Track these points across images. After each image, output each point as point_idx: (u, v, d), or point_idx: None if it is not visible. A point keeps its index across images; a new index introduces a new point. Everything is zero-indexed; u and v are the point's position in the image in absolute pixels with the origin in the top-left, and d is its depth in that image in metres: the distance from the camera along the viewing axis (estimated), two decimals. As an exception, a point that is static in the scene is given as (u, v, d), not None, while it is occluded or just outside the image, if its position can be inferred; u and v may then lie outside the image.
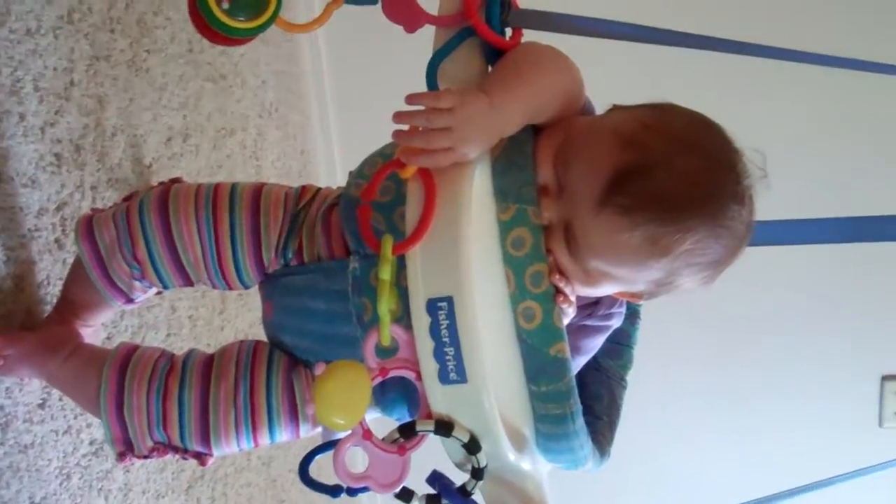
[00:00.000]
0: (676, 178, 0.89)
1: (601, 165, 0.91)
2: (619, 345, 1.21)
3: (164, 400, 1.11)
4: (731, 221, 0.92)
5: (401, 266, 0.89)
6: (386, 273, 0.86)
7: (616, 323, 1.12)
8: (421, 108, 0.89)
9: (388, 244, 0.88)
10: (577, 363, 1.07)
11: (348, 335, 1.05)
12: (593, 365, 1.18)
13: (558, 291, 0.94)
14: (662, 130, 0.91)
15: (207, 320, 1.78)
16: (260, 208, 1.13)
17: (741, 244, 0.94)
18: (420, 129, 0.89)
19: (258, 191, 1.15)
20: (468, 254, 0.87)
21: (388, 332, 0.88)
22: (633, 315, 1.20)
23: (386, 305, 0.87)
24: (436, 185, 0.89)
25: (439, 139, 0.87)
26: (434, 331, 0.87)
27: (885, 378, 2.57)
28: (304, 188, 1.17)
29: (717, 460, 2.68)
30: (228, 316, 1.87)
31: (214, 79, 1.92)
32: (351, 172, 1.12)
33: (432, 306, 0.87)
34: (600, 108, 1.05)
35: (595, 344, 1.11)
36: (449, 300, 0.86)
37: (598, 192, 0.90)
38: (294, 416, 1.12)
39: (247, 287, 1.16)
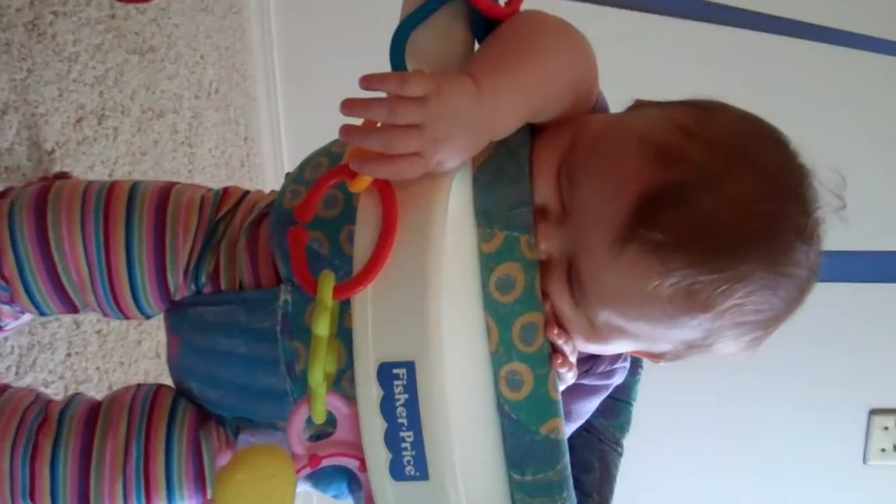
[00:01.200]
0: (727, 207, 0.65)
1: (624, 185, 0.67)
2: (617, 401, 0.96)
3: (33, 461, 0.85)
4: (794, 268, 0.68)
5: (346, 306, 0.65)
6: (322, 326, 0.62)
7: (618, 380, 0.88)
8: (382, 95, 0.64)
9: (326, 284, 0.63)
10: (567, 431, 0.83)
11: (274, 388, 0.80)
12: (583, 425, 0.93)
13: (555, 350, 0.70)
14: (709, 140, 0.67)
15: (121, 334, 1.51)
16: (166, 216, 0.87)
17: (803, 296, 0.71)
18: (379, 124, 0.64)
19: (166, 192, 0.89)
20: (438, 301, 0.62)
21: (324, 405, 0.63)
22: (633, 365, 0.96)
23: (320, 371, 0.62)
24: (397, 204, 0.64)
25: (405, 140, 0.62)
26: (387, 407, 0.62)
27: (873, 412, 2.38)
28: (226, 191, 0.92)
29: (699, 496, 2.47)
30: (148, 327, 1.60)
31: (141, 51, 1.65)
32: (288, 175, 0.87)
33: (386, 373, 0.62)
34: (614, 104, 0.80)
35: (591, 407, 0.87)
36: (409, 366, 0.62)
37: (618, 222, 0.66)
38: (201, 488, 0.86)
39: (147, 317, 0.90)
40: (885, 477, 2.41)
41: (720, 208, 0.65)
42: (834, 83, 2.17)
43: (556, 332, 0.70)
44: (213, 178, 1.95)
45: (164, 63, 1.75)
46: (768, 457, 2.41)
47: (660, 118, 0.71)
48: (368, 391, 0.62)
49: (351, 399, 0.64)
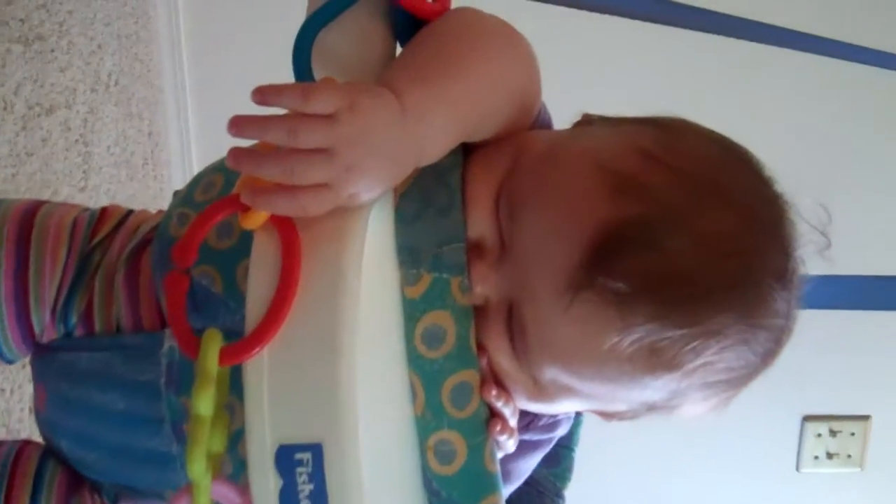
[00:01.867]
0: (696, 249, 0.55)
1: (576, 221, 0.56)
2: (557, 447, 0.85)
3: None
4: (772, 318, 0.58)
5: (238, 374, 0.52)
6: (205, 403, 0.49)
7: (563, 431, 0.77)
8: (282, 112, 0.52)
9: (211, 347, 0.50)
10: (505, 493, 0.71)
11: (158, 452, 0.67)
12: (522, 476, 0.82)
13: (493, 414, 0.59)
14: (674, 166, 0.57)
15: None
16: (30, 244, 0.72)
17: (780, 346, 0.61)
18: (279, 148, 0.51)
19: (30, 214, 0.74)
20: (351, 367, 0.50)
21: (209, 499, 0.51)
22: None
23: (202, 460, 0.49)
24: (300, 247, 0.52)
25: (309, 168, 0.50)
26: (288, 499, 0.50)
27: (807, 419, 2.32)
28: (104, 212, 0.77)
29: (632, 496, 2.39)
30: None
31: (27, 40, 1.48)
32: (176, 193, 0.74)
33: (286, 458, 0.50)
34: (558, 118, 0.69)
35: (532, 464, 0.76)
36: (315, 450, 0.50)
37: (569, 266, 0.55)
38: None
39: (9, 362, 0.76)
40: (818, 484, 2.36)
41: (689, 250, 0.55)
42: (795, 89, 2.08)
43: (494, 392, 0.59)
44: (112, 178, 1.79)
45: (55, 53, 1.59)
46: (702, 460, 2.35)
47: (616, 139, 0.60)
48: (264, 481, 0.50)
49: (245, 488, 0.52)
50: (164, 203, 0.76)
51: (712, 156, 0.59)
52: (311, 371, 0.51)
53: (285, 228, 0.52)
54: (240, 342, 0.51)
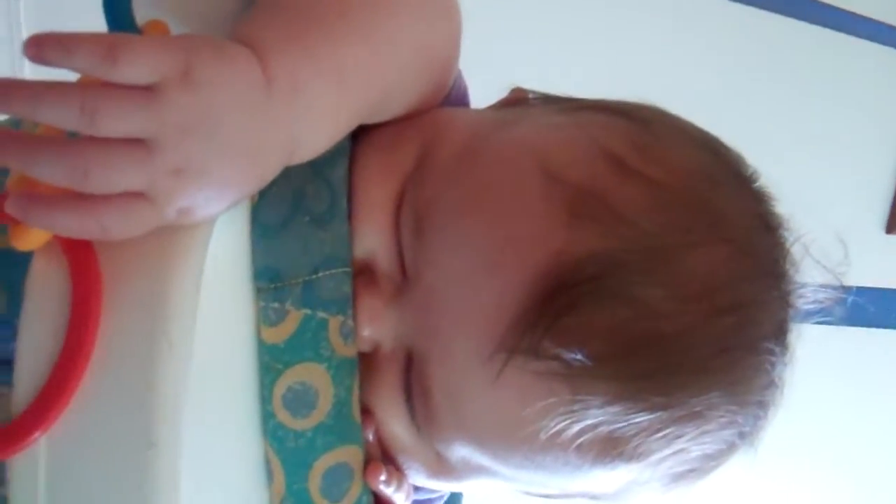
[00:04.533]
0: (683, 304, 0.40)
1: (516, 253, 0.40)
2: None
3: None
4: (765, 390, 0.44)
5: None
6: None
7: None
8: (72, 76, 0.33)
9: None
10: None
11: None
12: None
13: (379, 502, 0.43)
14: (657, 181, 0.41)
15: None
16: None
17: (767, 417, 0.46)
18: (69, 134, 0.33)
19: None
20: (173, 467, 0.33)
21: None
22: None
23: None
24: (100, 280, 0.34)
25: (115, 170, 0.33)
26: None
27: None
28: None
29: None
30: None
31: None
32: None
33: None
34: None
35: None
36: None
37: (503, 319, 0.39)
38: None
39: None
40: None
41: (670, 303, 0.40)
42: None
43: (383, 477, 0.43)
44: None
45: None
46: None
47: (572, 134, 0.44)
48: None
49: None
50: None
51: (701, 166, 0.44)
52: (112, 470, 0.34)
53: (78, 254, 0.35)
54: (5, 427, 0.33)
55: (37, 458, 0.34)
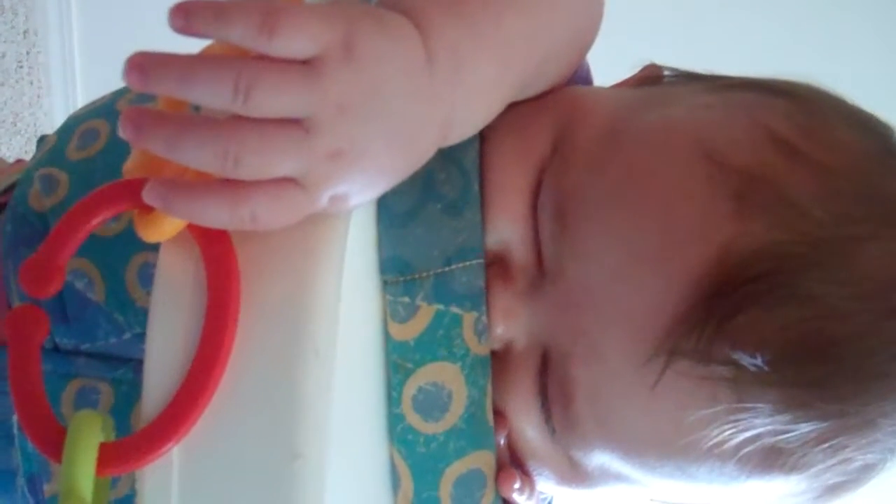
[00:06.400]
0: (863, 301, 0.37)
1: (678, 247, 0.36)
2: None
3: None
4: None
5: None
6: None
7: None
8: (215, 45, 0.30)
9: (81, 448, 0.30)
10: None
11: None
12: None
13: None
14: (827, 167, 0.38)
15: None
16: None
17: None
18: (212, 113, 0.30)
19: None
20: (319, 484, 0.30)
21: None
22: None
23: None
24: (238, 276, 0.31)
25: (270, 154, 0.30)
26: None
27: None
28: None
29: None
30: None
31: None
32: (43, 141, 0.51)
33: None
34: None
35: None
36: None
37: (664, 320, 0.36)
38: None
39: None
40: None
41: (850, 302, 0.36)
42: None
43: (516, 485, 0.40)
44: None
45: None
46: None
47: (728, 114, 0.40)
48: None
49: None
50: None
51: (868, 149, 0.40)
52: (253, 484, 0.31)
53: (216, 245, 0.32)
54: (134, 436, 0.31)
55: (170, 471, 0.31)
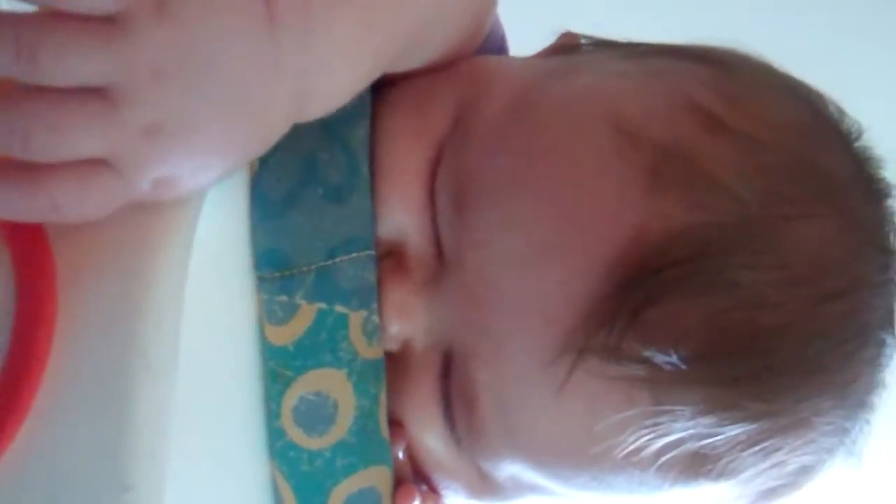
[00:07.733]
0: (790, 288, 0.33)
1: (586, 232, 0.32)
2: None
3: None
4: (877, 389, 0.37)
5: None
6: None
7: None
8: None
9: None
10: None
11: None
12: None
13: None
14: (752, 138, 0.33)
15: None
16: None
17: (868, 428, 0.39)
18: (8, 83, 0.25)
19: None
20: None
21: None
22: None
23: None
24: (53, 276, 0.26)
25: (68, 131, 0.24)
26: None
27: None
28: None
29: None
30: None
31: None
32: None
33: None
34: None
35: None
36: None
37: (571, 314, 0.32)
38: None
39: None
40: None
41: (775, 289, 0.32)
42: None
43: (416, 503, 0.35)
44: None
45: None
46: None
47: (646, 84, 0.36)
48: None
49: None
50: None
51: (800, 120, 0.36)
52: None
53: (24, 241, 0.27)
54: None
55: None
